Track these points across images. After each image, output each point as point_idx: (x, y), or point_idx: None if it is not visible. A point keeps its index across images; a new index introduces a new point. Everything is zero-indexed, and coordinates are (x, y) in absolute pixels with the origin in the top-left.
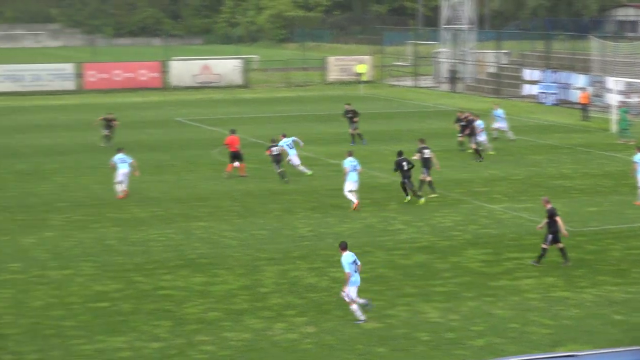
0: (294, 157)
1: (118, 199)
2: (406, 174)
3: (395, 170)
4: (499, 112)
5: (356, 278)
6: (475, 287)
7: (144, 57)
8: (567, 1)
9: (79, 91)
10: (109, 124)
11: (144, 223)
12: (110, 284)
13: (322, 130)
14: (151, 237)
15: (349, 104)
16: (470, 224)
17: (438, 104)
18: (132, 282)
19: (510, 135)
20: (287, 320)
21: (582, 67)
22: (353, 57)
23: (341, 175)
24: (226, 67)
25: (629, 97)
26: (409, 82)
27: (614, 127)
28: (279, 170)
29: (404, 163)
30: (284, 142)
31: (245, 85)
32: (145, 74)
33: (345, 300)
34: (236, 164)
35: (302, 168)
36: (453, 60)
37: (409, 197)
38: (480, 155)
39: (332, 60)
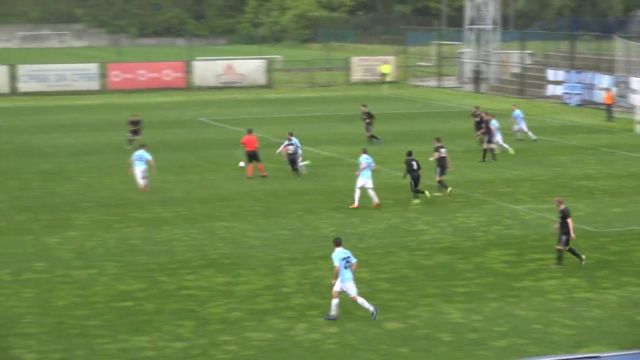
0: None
1: (140, 191)
2: (415, 174)
3: (408, 171)
4: (518, 112)
5: (348, 275)
6: (498, 287)
7: (168, 57)
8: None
9: (103, 91)
10: (133, 127)
11: (167, 223)
12: (134, 283)
13: (345, 131)
14: (175, 237)
15: (364, 106)
16: (494, 224)
17: (461, 104)
18: (156, 282)
19: (531, 135)
20: (310, 320)
21: (607, 67)
22: (377, 57)
23: None
24: (249, 67)
25: None
26: (432, 82)
27: (638, 128)
28: (293, 168)
29: (414, 163)
30: (293, 142)
31: (268, 86)
32: (169, 74)
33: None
34: (242, 164)
35: (302, 166)
36: (477, 61)
37: (427, 194)
38: (485, 157)
39: (355, 60)
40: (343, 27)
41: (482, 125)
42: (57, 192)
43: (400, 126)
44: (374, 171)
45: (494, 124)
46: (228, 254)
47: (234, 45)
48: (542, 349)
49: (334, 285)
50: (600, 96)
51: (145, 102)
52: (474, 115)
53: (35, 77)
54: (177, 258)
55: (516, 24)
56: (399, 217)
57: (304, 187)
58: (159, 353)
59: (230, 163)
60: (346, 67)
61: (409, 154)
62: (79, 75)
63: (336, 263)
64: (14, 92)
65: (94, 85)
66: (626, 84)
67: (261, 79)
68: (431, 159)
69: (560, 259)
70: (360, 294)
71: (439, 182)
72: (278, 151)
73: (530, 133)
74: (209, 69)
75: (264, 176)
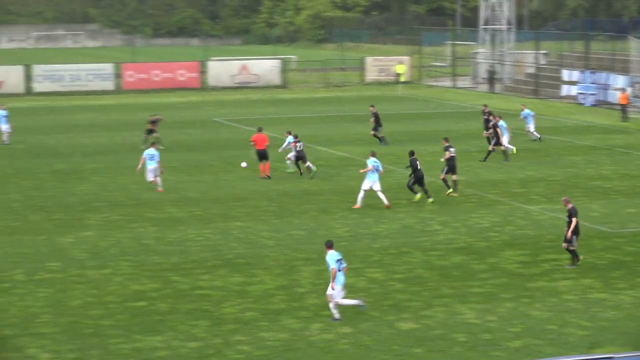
0: (292, 155)
1: (151, 183)
2: (419, 174)
3: (415, 170)
4: (526, 112)
5: (341, 278)
6: (513, 288)
7: (183, 57)
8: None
9: (117, 91)
10: (151, 128)
11: (181, 223)
12: (148, 283)
13: (359, 131)
14: (189, 236)
15: (372, 106)
16: (508, 225)
17: (476, 104)
18: (170, 282)
19: (536, 134)
20: (324, 320)
21: (622, 67)
22: (391, 57)
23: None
24: (264, 67)
25: None
26: (447, 82)
27: None
28: (305, 165)
29: (417, 162)
30: (289, 140)
31: (283, 86)
32: (183, 74)
33: (331, 297)
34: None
35: (290, 164)
36: (491, 61)
37: (421, 195)
38: (486, 158)
39: (370, 60)
40: (357, 27)
41: (489, 125)
42: (71, 192)
43: (414, 126)
44: (381, 174)
45: (502, 124)
46: (242, 254)
47: (248, 45)
48: (557, 350)
49: (332, 289)
50: (615, 96)
51: (159, 102)
52: (483, 113)
53: (50, 77)
54: (192, 258)
55: (531, 24)
56: (413, 217)
57: (318, 187)
58: (173, 353)
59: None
60: (360, 68)
61: (412, 153)
62: (94, 75)
63: (333, 265)
64: (28, 92)
65: (109, 85)
66: None
67: (276, 79)
68: (442, 159)
69: (574, 260)
70: (375, 295)
71: (443, 179)
72: (281, 149)
73: (535, 132)
74: (223, 69)
75: (268, 177)
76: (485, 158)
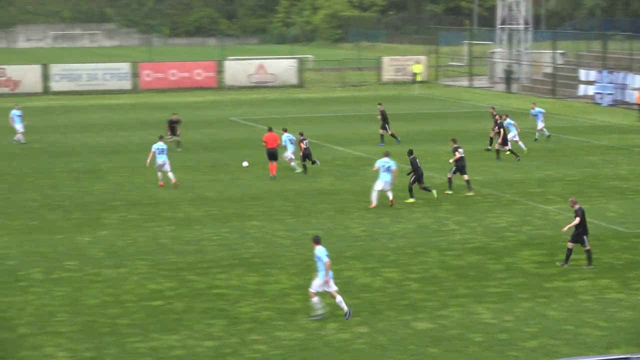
0: (290, 154)
1: (160, 185)
2: (419, 172)
3: (415, 169)
4: (537, 110)
5: (328, 273)
6: (529, 288)
7: (200, 56)
8: (624, 1)
9: (134, 90)
10: (172, 126)
11: (198, 222)
12: (165, 282)
13: (375, 130)
14: (205, 236)
15: (380, 104)
16: (525, 224)
17: (493, 104)
18: (186, 281)
19: (537, 135)
20: (340, 319)
21: (639, 67)
22: (408, 57)
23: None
24: (281, 67)
25: None
26: (464, 82)
27: None
28: (311, 163)
29: (417, 161)
30: (286, 137)
31: (300, 85)
32: (200, 73)
33: (328, 290)
34: (245, 163)
35: (294, 164)
36: (508, 61)
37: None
38: (499, 157)
39: (386, 60)
40: (374, 26)
41: (496, 125)
42: (88, 191)
43: (431, 126)
44: (395, 173)
45: (509, 122)
46: (259, 254)
47: (265, 44)
48: (574, 350)
49: (327, 283)
50: (633, 96)
51: (176, 101)
52: (492, 115)
53: (68, 76)
54: (208, 257)
55: (548, 24)
56: (429, 217)
57: (335, 187)
58: (189, 352)
59: (260, 162)
60: (377, 67)
61: (411, 152)
62: (111, 74)
63: (326, 259)
64: (46, 91)
65: (126, 84)
66: None
67: (293, 78)
68: (451, 160)
69: (590, 258)
70: (391, 294)
71: (449, 179)
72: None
73: (545, 130)
74: (240, 69)
75: (273, 176)
76: (498, 157)
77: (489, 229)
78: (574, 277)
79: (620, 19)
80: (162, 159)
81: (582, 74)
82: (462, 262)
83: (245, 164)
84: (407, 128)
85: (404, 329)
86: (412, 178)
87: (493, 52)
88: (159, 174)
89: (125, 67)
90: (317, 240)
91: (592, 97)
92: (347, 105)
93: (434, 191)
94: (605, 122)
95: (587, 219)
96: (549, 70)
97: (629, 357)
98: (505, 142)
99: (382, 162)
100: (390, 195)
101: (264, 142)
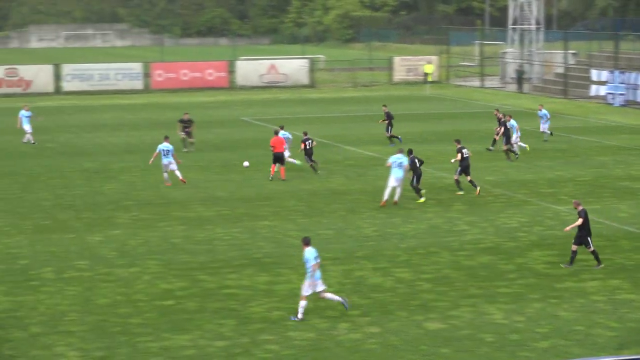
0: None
1: (167, 185)
2: (418, 172)
3: (414, 169)
4: (543, 112)
5: (317, 273)
6: (540, 288)
7: (211, 56)
8: (637, 1)
9: (146, 90)
10: (185, 125)
11: (209, 222)
12: (176, 282)
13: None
14: (216, 236)
15: (385, 106)
16: (536, 225)
17: (504, 104)
18: (197, 281)
19: (546, 137)
20: (351, 320)
21: None
22: (419, 57)
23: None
24: (293, 67)
25: None
26: (475, 82)
27: None
28: (310, 163)
29: (417, 161)
30: (283, 135)
31: (311, 85)
32: (212, 73)
33: (319, 291)
34: (246, 163)
35: (292, 160)
36: (520, 61)
37: (423, 199)
38: (509, 157)
39: (398, 60)
40: (386, 26)
41: (500, 126)
42: (100, 190)
43: (442, 126)
44: (406, 169)
45: (513, 124)
46: (270, 253)
47: (277, 45)
48: (585, 351)
49: (314, 285)
50: None
51: (188, 101)
52: (497, 117)
53: (79, 76)
54: (219, 257)
55: (559, 24)
56: (441, 217)
57: (346, 187)
58: (200, 352)
59: (270, 163)
60: (388, 67)
61: (410, 152)
62: (123, 74)
63: (315, 261)
64: (58, 91)
65: (138, 84)
66: None
67: (304, 78)
68: (452, 161)
69: (597, 258)
70: (402, 294)
71: (456, 180)
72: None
73: (547, 131)
74: (252, 69)
75: (279, 179)
76: (508, 157)
77: (500, 229)
78: (585, 278)
79: (633, 19)
80: (167, 159)
81: (594, 74)
82: (474, 262)
83: (246, 163)
84: (419, 128)
85: (415, 329)
86: (412, 178)
87: (504, 52)
88: (165, 174)
89: (137, 67)
90: (307, 242)
91: (603, 98)
92: (359, 105)
93: (424, 198)
94: (616, 122)
95: (599, 220)
96: (560, 70)
97: None
98: (508, 141)
99: (395, 158)
100: (398, 192)
101: (272, 146)
